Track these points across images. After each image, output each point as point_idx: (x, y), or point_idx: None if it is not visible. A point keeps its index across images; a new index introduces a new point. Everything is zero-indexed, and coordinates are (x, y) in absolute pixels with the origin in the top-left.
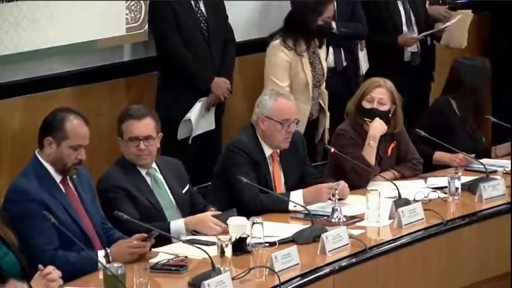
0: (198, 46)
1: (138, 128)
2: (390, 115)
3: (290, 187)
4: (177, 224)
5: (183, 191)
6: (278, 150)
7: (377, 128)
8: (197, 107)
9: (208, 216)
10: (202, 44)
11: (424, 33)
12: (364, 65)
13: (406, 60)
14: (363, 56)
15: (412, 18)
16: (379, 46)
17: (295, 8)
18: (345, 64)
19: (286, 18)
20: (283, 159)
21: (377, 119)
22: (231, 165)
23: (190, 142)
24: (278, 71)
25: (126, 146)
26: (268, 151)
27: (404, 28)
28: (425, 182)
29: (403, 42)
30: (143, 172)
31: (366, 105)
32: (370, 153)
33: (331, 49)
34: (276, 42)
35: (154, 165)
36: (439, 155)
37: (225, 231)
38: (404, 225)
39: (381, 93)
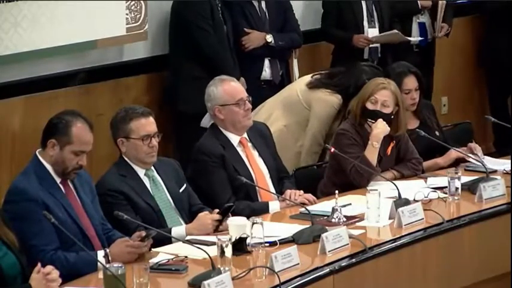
0: (225, 48)
1: (150, 125)
2: (392, 117)
3: (272, 167)
4: (179, 230)
5: (180, 190)
6: (246, 136)
7: (380, 128)
8: None
9: (206, 218)
10: (226, 45)
11: (379, 36)
12: (296, 73)
13: (366, 58)
14: (295, 63)
15: (375, 15)
16: (336, 41)
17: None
18: (280, 74)
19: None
20: (254, 143)
21: (380, 120)
22: (198, 174)
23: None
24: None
25: (135, 145)
26: (235, 139)
27: (365, 24)
28: (425, 182)
29: (356, 41)
30: (141, 174)
31: (370, 106)
32: (372, 154)
33: (267, 62)
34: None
35: (151, 166)
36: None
37: (225, 229)
38: (404, 225)
39: (385, 96)
